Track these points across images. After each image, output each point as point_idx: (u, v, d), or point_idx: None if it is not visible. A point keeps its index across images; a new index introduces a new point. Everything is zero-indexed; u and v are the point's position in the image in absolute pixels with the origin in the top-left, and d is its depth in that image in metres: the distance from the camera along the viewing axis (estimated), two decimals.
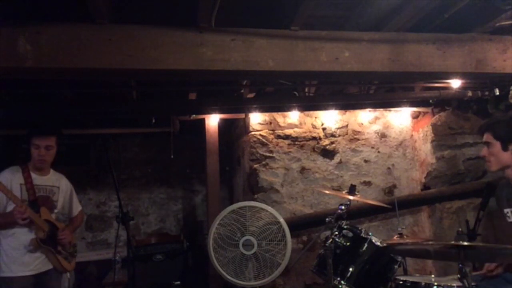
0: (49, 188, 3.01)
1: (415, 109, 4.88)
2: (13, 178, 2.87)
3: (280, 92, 4.50)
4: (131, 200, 5.67)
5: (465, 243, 1.87)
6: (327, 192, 4.19)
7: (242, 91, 4.40)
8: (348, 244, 2.83)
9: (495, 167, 2.47)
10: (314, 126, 4.73)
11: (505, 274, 2.50)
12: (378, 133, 4.86)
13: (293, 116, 4.67)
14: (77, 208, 3.26)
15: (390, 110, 4.89)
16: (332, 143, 4.74)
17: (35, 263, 2.85)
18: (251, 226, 3.84)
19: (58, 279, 3.01)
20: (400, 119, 4.93)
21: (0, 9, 2.49)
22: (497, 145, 2.42)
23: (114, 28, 2.70)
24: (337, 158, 4.74)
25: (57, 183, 3.09)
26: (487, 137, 2.48)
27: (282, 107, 4.46)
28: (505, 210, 2.49)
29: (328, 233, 3.16)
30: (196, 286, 4.74)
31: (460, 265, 1.86)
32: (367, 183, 4.76)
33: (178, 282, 4.24)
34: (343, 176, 4.72)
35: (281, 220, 3.89)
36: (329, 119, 4.74)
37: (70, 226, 3.15)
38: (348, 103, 4.54)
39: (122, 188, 5.44)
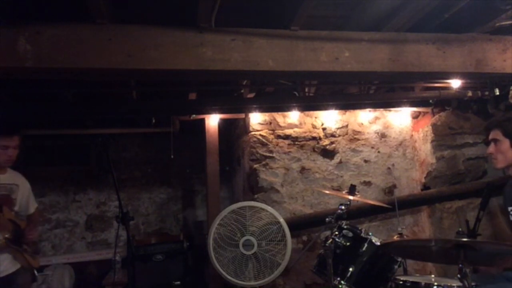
0: (9, 186, 2.98)
1: (415, 109, 4.88)
2: None
3: (280, 92, 4.50)
4: (131, 200, 5.67)
5: (465, 239, 1.88)
6: (327, 192, 4.19)
7: (242, 91, 4.40)
8: (348, 244, 2.83)
9: (501, 164, 2.47)
10: (314, 126, 4.74)
11: (506, 272, 2.50)
12: (378, 133, 4.86)
13: (293, 116, 4.67)
14: (33, 205, 3.23)
15: (390, 110, 4.89)
16: (332, 143, 4.74)
17: (3, 265, 2.81)
18: (251, 226, 3.84)
19: (26, 278, 2.99)
20: (400, 119, 4.93)
21: (0, 9, 2.49)
22: (506, 143, 2.41)
23: (114, 28, 2.70)
24: (337, 158, 4.74)
25: (16, 181, 3.05)
26: (495, 134, 2.46)
27: (282, 107, 4.46)
28: (509, 208, 2.49)
29: (328, 233, 3.17)
30: (196, 286, 4.74)
31: (460, 265, 1.86)
32: (367, 183, 4.77)
33: (178, 282, 4.24)
34: (343, 176, 4.72)
35: (281, 220, 3.89)
36: (329, 119, 4.74)
37: (32, 224, 3.12)
38: (348, 103, 4.54)
39: (122, 188, 5.44)
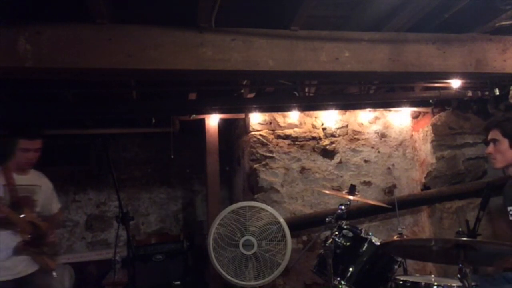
0: (31, 187, 2.97)
1: (415, 109, 4.88)
2: None
3: (280, 92, 4.50)
4: (131, 200, 5.67)
5: (465, 239, 1.89)
6: (327, 192, 4.19)
7: (242, 91, 4.40)
8: (348, 244, 2.83)
9: (500, 164, 2.47)
10: (314, 126, 4.73)
11: (505, 273, 2.50)
12: (378, 133, 4.86)
13: (293, 116, 4.67)
14: (56, 205, 3.21)
15: (390, 110, 4.89)
16: (332, 143, 4.74)
17: (20, 267, 2.80)
18: (251, 226, 3.84)
19: (44, 279, 2.97)
20: (400, 119, 4.93)
21: (0, 9, 2.49)
22: (505, 143, 2.41)
23: (114, 28, 2.70)
24: (337, 158, 4.74)
25: (38, 182, 3.04)
26: (494, 134, 2.46)
27: (282, 107, 4.46)
28: (509, 208, 2.50)
29: (328, 233, 3.16)
30: (196, 286, 4.74)
31: (460, 265, 1.86)
32: (367, 183, 4.76)
33: (178, 282, 4.24)
34: (343, 176, 4.72)
35: (281, 220, 3.89)
36: (329, 119, 4.74)
37: (53, 225, 3.10)
38: (348, 103, 4.54)
39: (122, 188, 5.44)
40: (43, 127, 2.91)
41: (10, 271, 2.77)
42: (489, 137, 2.49)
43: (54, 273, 3.05)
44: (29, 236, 2.79)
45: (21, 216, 2.78)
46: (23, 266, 2.82)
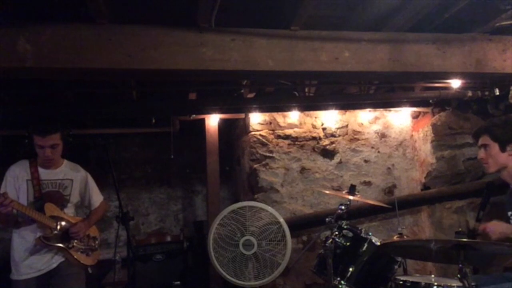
0: (59, 182, 2.90)
1: (415, 109, 4.89)
2: (19, 174, 2.80)
3: (280, 92, 4.50)
4: (131, 200, 5.67)
5: (465, 239, 1.89)
6: (327, 192, 4.19)
7: (242, 91, 4.40)
8: (348, 244, 2.83)
9: (493, 168, 2.50)
10: (314, 126, 4.73)
11: (506, 272, 2.51)
12: (378, 133, 4.86)
13: (293, 116, 4.67)
14: (97, 200, 3.11)
15: (390, 110, 4.89)
16: (332, 143, 4.74)
17: (41, 263, 2.77)
18: (251, 226, 3.84)
19: (74, 277, 2.91)
20: (400, 119, 4.93)
21: (0, 9, 2.49)
22: (495, 147, 2.45)
23: (114, 28, 2.70)
24: (337, 158, 4.74)
25: (70, 175, 2.95)
26: (484, 139, 2.51)
27: (282, 107, 4.46)
28: (509, 213, 2.51)
29: (328, 233, 3.16)
30: (196, 286, 4.74)
31: (460, 265, 1.86)
32: (367, 183, 4.76)
33: (178, 282, 4.24)
34: (343, 176, 4.72)
35: (281, 220, 3.89)
36: (329, 119, 4.74)
37: (87, 220, 3.00)
38: (348, 103, 4.55)
39: (122, 188, 5.44)
40: (59, 123, 2.81)
41: (31, 269, 2.75)
42: (479, 143, 2.54)
43: (89, 270, 3.00)
44: (51, 231, 2.74)
45: (42, 212, 2.72)
46: (44, 263, 2.78)
